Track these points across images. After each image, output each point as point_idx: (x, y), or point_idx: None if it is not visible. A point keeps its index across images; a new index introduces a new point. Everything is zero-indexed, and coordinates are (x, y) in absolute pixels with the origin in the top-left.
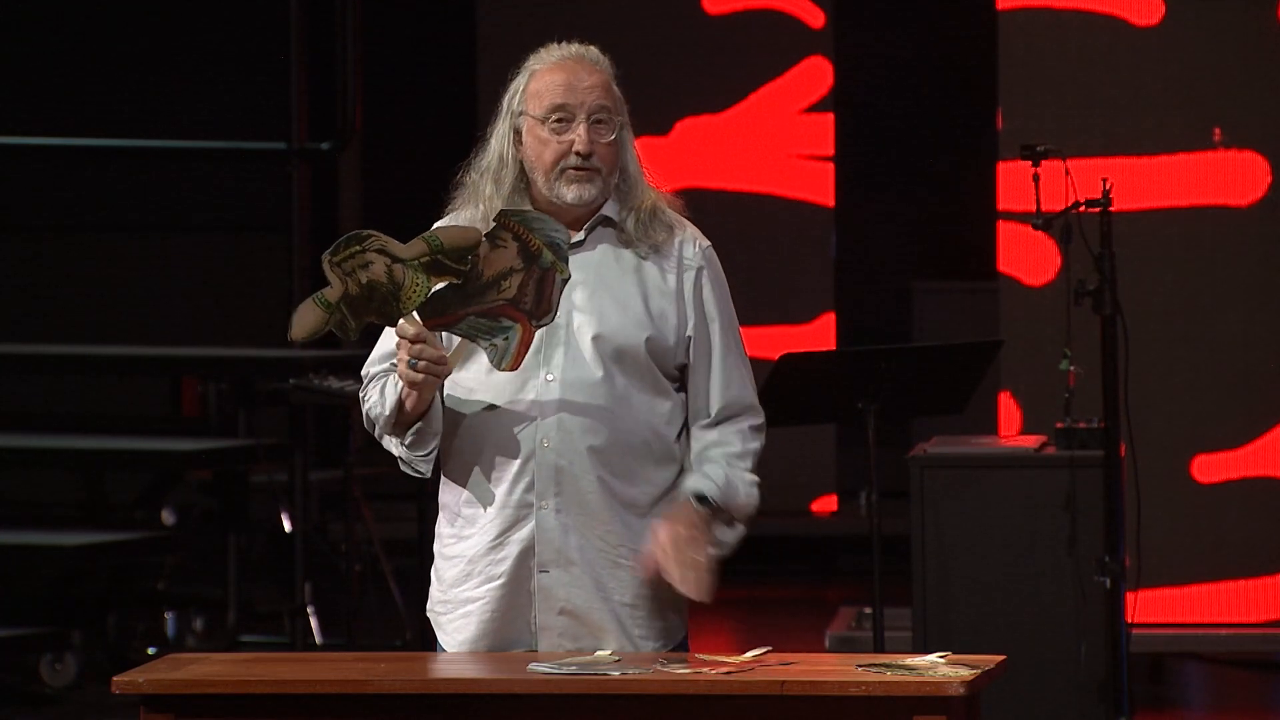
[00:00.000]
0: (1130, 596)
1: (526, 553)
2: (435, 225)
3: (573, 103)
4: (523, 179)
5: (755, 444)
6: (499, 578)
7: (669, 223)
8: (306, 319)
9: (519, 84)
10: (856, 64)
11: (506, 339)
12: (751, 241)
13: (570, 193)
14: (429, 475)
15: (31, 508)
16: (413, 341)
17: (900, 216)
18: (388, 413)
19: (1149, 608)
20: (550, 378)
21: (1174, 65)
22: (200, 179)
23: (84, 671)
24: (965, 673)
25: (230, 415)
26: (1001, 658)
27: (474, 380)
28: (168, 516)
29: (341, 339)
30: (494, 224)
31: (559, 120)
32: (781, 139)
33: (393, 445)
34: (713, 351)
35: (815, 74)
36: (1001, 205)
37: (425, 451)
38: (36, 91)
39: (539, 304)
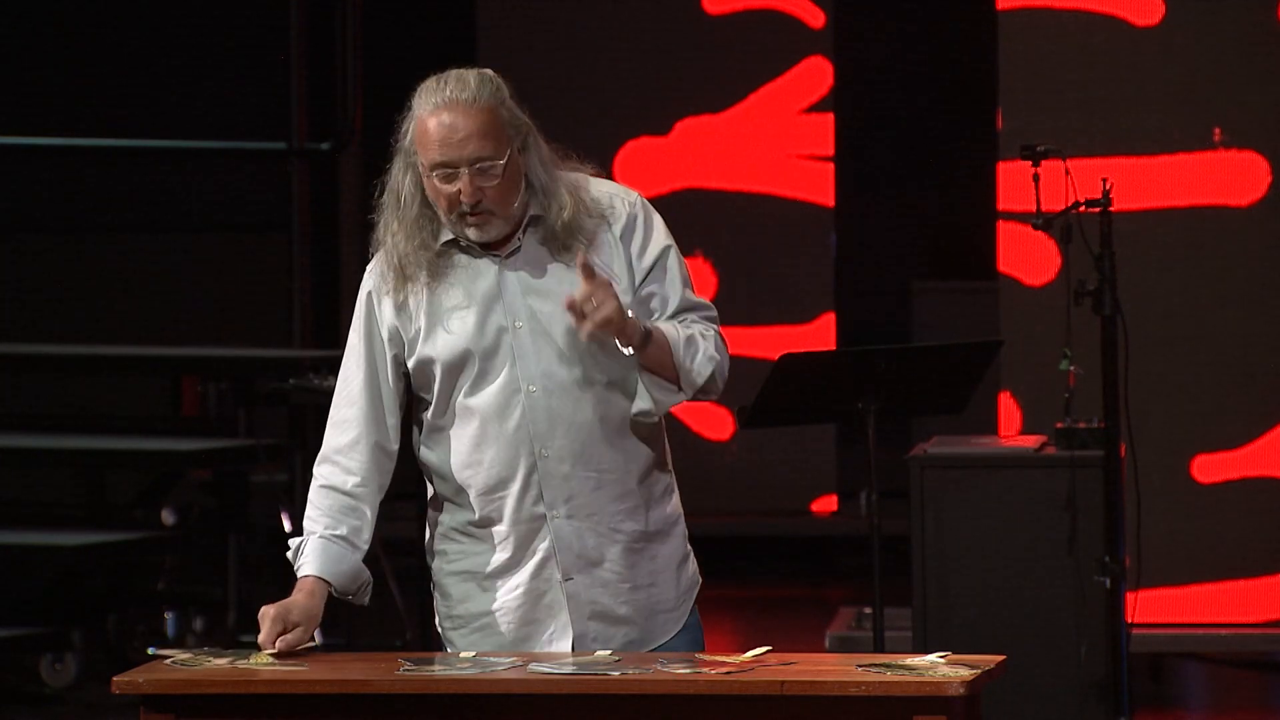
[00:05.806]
0: (1130, 596)
1: (542, 564)
2: None
3: (451, 158)
4: (428, 207)
5: (713, 327)
6: (516, 590)
7: (590, 213)
8: None
9: (408, 126)
10: (856, 64)
11: None
12: (751, 241)
13: (472, 233)
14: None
15: (31, 508)
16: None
17: (900, 216)
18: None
19: (1149, 608)
20: (533, 388)
21: (1174, 65)
22: (200, 179)
23: (84, 671)
24: (965, 673)
25: (230, 415)
26: (1001, 658)
27: (460, 406)
28: (168, 516)
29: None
30: None
31: (443, 173)
32: (781, 139)
33: None
34: (656, 274)
35: (815, 74)
36: (1001, 205)
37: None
38: (37, 91)
39: None
